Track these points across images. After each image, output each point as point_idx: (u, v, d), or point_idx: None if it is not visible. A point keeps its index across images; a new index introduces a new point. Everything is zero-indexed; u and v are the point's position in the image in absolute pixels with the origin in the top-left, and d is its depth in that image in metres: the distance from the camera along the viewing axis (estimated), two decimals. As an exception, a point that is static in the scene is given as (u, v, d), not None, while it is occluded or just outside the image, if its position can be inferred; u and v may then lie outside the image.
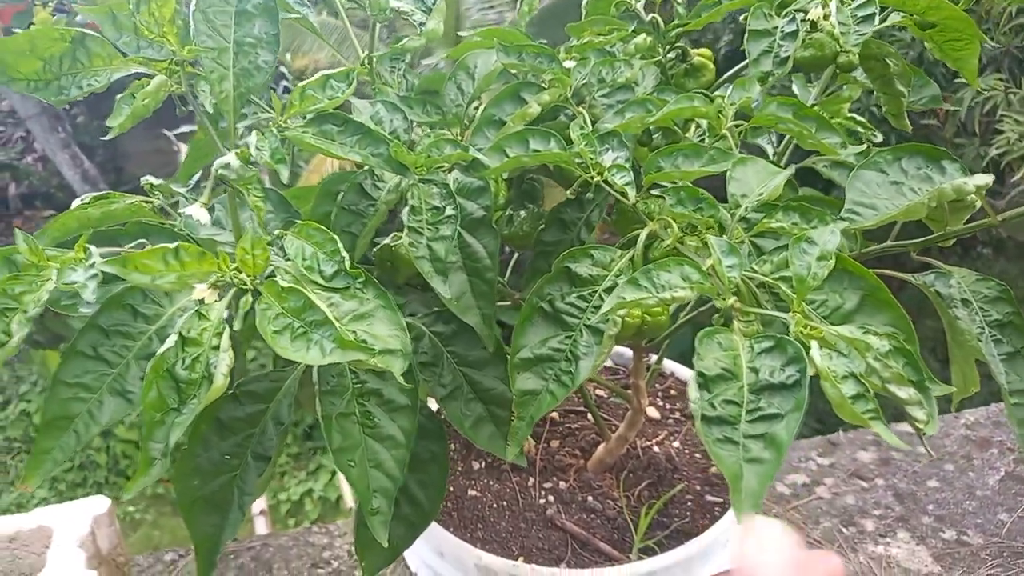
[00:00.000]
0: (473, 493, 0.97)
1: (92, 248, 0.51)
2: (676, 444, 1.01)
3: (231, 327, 0.48)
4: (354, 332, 0.49)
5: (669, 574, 0.82)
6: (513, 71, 0.69)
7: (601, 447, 0.99)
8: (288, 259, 0.52)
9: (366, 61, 0.69)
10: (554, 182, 0.86)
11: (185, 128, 4.73)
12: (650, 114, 0.60)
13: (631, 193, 0.55)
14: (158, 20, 0.53)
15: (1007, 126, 2.26)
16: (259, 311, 0.48)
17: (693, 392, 0.42)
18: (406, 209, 0.57)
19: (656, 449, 0.99)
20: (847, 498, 1.38)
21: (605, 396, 1.10)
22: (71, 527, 1.11)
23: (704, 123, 0.62)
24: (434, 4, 0.66)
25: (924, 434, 0.42)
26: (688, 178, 0.56)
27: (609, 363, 1.15)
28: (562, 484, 0.99)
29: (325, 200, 0.70)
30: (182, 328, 0.48)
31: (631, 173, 0.55)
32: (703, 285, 0.46)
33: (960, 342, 0.62)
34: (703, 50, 0.77)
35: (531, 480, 1.00)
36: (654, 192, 0.58)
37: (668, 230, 0.57)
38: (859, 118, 0.80)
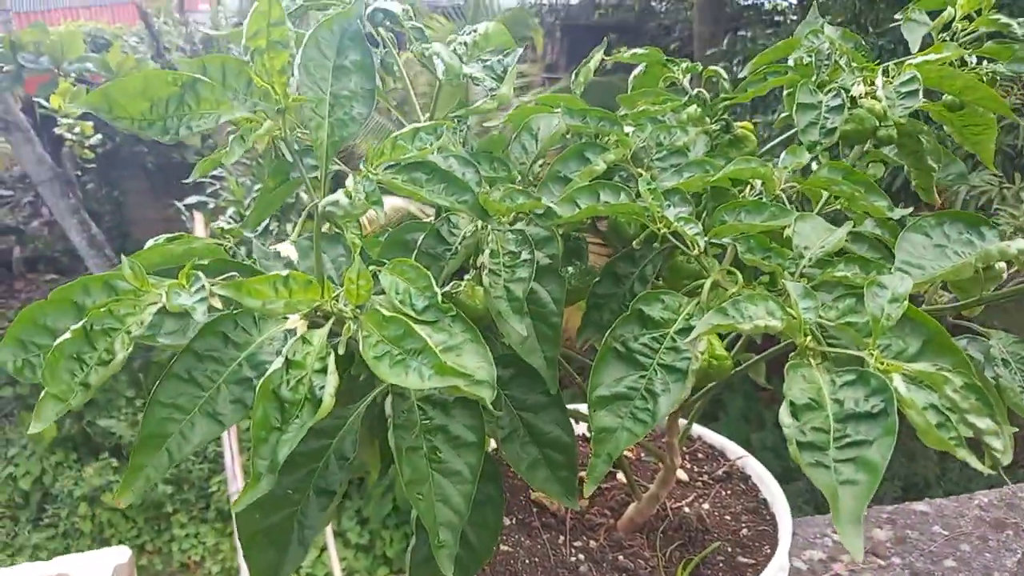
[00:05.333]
0: (505, 548, 0.97)
1: (199, 274, 0.55)
2: (706, 506, 1.03)
3: (336, 352, 0.51)
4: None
5: (707, 631, 0.83)
6: (576, 133, 0.74)
7: (632, 507, 1.00)
8: (381, 293, 0.55)
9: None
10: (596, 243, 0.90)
11: (193, 199, 4.81)
12: (709, 174, 0.65)
13: (700, 243, 0.59)
14: (268, 70, 0.58)
15: (1002, 219, 2.35)
16: (361, 338, 0.51)
17: (786, 418, 0.45)
18: (485, 253, 0.61)
19: (687, 510, 1.01)
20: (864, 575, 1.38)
21: (632, 457, 1.12)
22: (93, 576, 1.10)
23: (758, 185, 0.67)
24: (504, 71, 0.71)
25: (1001, 464, 0.45)
26: (751, 231, 0.60)
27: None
28: (592, 543, 1.00)
29: (393, 247, 0.74)
30: (287, 352, 0.51)
31: (699, 225, 0.60)
32: (786, 321, 0.50)
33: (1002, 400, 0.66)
34: (745, 123, 0.83)
35: (561, 538, 1.00)
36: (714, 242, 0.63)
37: (730, 279, 0.61)
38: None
